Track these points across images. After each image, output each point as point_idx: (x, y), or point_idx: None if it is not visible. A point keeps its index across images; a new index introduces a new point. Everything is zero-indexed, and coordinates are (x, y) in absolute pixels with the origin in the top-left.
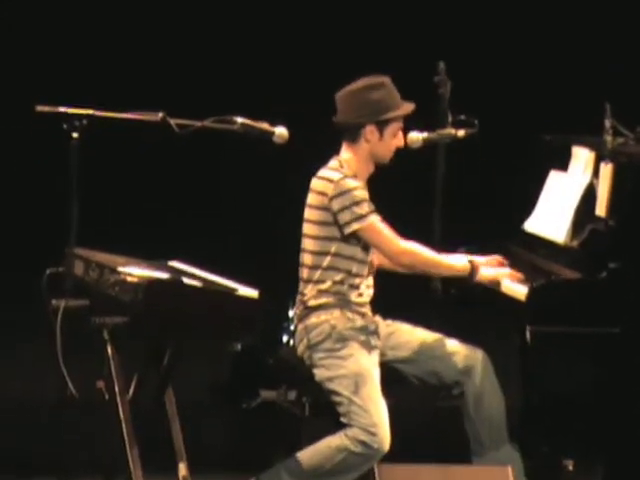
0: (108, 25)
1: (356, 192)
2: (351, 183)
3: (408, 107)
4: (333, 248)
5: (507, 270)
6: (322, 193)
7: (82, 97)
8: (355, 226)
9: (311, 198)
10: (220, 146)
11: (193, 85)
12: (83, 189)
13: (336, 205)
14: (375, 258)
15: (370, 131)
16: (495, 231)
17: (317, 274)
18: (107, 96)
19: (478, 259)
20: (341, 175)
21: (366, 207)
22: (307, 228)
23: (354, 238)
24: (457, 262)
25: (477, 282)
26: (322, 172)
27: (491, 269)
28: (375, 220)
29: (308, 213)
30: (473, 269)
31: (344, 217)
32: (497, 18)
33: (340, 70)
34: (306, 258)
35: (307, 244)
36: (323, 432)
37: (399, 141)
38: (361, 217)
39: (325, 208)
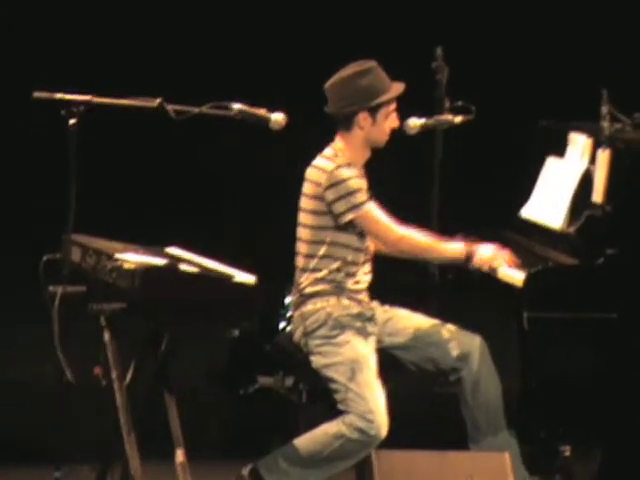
0: (106, 13)
1: (350, 182)
2: (345, 172)
3: (398, 88)
4: (328, 237)
5: (504, 253)
6: (316, 183)
7: (80, 83)
8: (350, 215)
9: (306, 187)
10: (218, 132)
11: (190, 71)
12: (81, 175)
13: (330, 195)
14: (372, 244)
15: (363, 117)
16: (492, 217)
17: (313, 263)
18: (104, 82)
19: (486, 251)
20: (335, 165)
21: (361, 196)
22: (302, 217)
23: (350, 227)
24: (453, 247)
25: (474, 265)
26: (317, 161)
27: (489, 252)
28: (371, 208)
29: (303, 202)
30: (470, 253)
31: (339, 207)
32: (494, 4)
33: (337, 56)
34: (302, 247)
35: (302, 233)
36: (320, 419)
37: (393, 122)
38: (356, 206)
39: (319, 197)
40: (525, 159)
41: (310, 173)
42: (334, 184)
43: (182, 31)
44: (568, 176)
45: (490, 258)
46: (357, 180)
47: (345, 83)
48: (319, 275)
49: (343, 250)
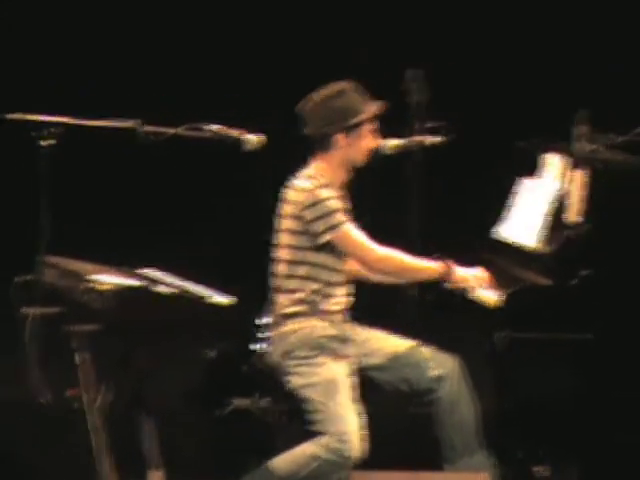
0: (80, 35)
1: (329, 202)
2: (324, 193)
3: (375, 107)
4: (306, 257)
5: (483, 275)
6: (295, 202)
7: (55, 105)
8: (328, 236)
9: (285, 208)
10: (193, 153)
11: (166, 93)
12: (55, 197)
13: (309, 215)
14: (353, 267)
15: (340, 138)
16: (467, 237)
17: (291, 283)
18: (80, 104)
19: (464, 270)
20: (314, 185)
21: (339, 216)
22: (280, 237)
23: (327, 247)
24: (432, 266)
25: (451, 285)
26: (295, 182)
27: (467, 271)
28: (349, 228)
29: (281, 222)
30: (448, 271)
31: (317, 227)
32: (470, 26)
33: (312, 78)
34: (280, 267)
35: (280, 253)
36: (297, 439)
37: (372, 142)
38: (334, 227)
39: (299, 217)
40: (500, 179)
41: (289, 194)
42: (313, 204)
43: (158, 53)
44: (543, 196)
45: (468, 278)
46: (336, 201)
47: (321, 104)
48: (297, 296)
49: (321, 271)
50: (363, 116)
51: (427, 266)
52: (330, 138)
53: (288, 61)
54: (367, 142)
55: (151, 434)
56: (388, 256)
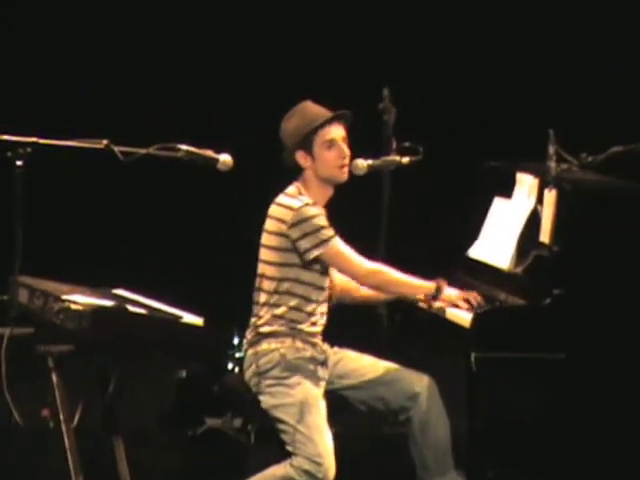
0: (52, 54)
1: (316, 219)
2: (311, 210)
3: (324, 116)
4: (290, 273)
5: (473, 294)
6: (281, 220)
7: (26, 125)
8: (316, 252)
9: (269, 224)
10: (164, 173)
11: (137, 113)
12: (27, 217)
13: (296, 233)
14: (338, 287)
15: (301, 157)
16: (440, 257)
17: (273, 298)
18: (51, 124)
19: (453, 291)
20: (301, 203)
21: (327, 232)
22: (264, 254)
23: (315, 264)
24: (422, 282)
25: (442, 302)
26: (281, 199)
27: (455, 290)
28: (337, 243)
29: (266, 238)
30: (438, 288)
31: (305, 244)
32: (443, 46)
33: (285, 98)
34: (263, 283)
35: (264, 269)
36: (269, 460)
37: (339, 152)
38: (322, 242)
39: (284, 235)
40: (472, 199)
41: (274, 210)
42: (300, 221)
43: (132, 73)
44: (515, 216)
45: (456, 297)
46: (322, 218)
47: (280, 131)
48: (278, 312)
49: (305, 287)
50: (310, 128)
51: (417, 283)
52: (294, 160)
53: (264, 81)
54: (330, 153)
55: (122, 454)
56: (378, 270)
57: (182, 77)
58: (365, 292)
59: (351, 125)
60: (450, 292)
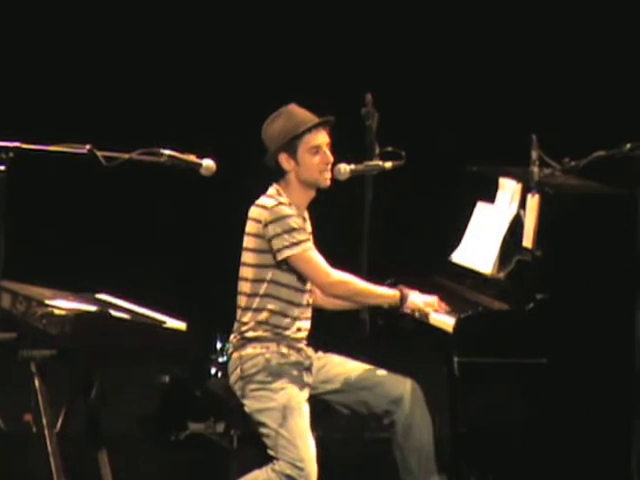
0: (36, 59)
1: (290, 219)
2: (286, 210)
3: (310, 121)
4: (269, 275)
5: (435, 298)
6: (258, 220)
7: (8, 130)
8: (287, 253)
9: (249, 226)
10: (147, 177)
11: (120, 117)
12: (10, 222)
13: (270, 231)
14: (314, 293)
15: (284, 159)
16: (422, 262)
17: (255, 302)
18: (34, 129)
19: (417, 297)
20: (276, 202)
21: (299, 235)
22: (245, 256)
23: (288, 265)
24: (387, 291)
25: (406, 309)
26: (260, 200)
27: (420, 297)
28: (307, 249)
29: (246, 241)
30: (402, 297)
31: (277, 243)
32: (425, 51)
33: (268, 103)
34: (244, 286)
35: (245, 272)
36: (251, 464)
37: (323, 158)
38: (293, 245)
39: (261, 235)
40: (455, 204)
41: (253, 211)
42: (274, 220)
43: (114, 77)
44: (498, 221)
45: (421, 304)
46: (296, 219)
47: (264, 132)
48: (260, 316)
49: (284, 290)
50: (296, 132)
51: (382, 292)
52: (277, 162)
53: (247, 85)
54: (314, 159)
55: (104, 459)
56: (343, 280)
57: (164, 82)
58: (330, 303)
59: (334, 130)
60: (414, 299)
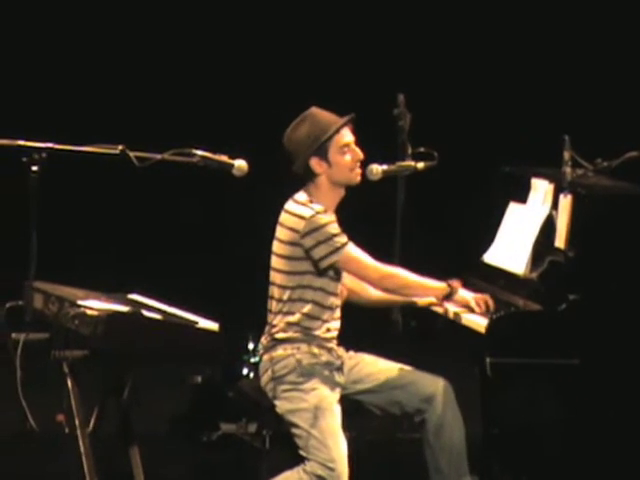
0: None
1: (329, 227)
2: (323, 219)
3: (338, 122)
4: (303, 281)
5: (486, 296)
6: (293, 229)
7: (42, 130)
8: (331, 260)
9: (280, 232)
10: (180, 178)
11: (153, 118)
12: (42, 222)
13: (309, 241)
14: (344, 289)
15: (316, 164)
16: (455, 262)
17: (286, 306)
18: (67, 129)
19: (467, 293)
20: (313, 212)
21: (340, 239)
22: (276, 262)
23: (329, 271)
24: (436, 284)
25: (455, 303)
26: (292, 207)
27: (469, 294)
28: (351, 249)
29: (277, 247)
30: (452, 290)
31: (319, 252)
32: (457, 51)
33: (300, 104)
34: (275, 291)
35: (276, 278)
36: (283, 465)
37: (354, 156)
38: (336, 250)
39: (296, 244)
40: (488, 205)
41: (286, 219)
42: (312, 230)
43: (146, 79)
44: (530, 221)
45: (469, 301)
46: (335, 225)
47: (288, 140)
48: (292, 319)
49: (318, 294)
50: (326, 135)
51: (431, 284)
52: (308, 168)
53: (278, 87)
54: (346, 157)
55: (137, 460)
56: (393, 273)
57: (195, 83)
58: (375, 295)
59: (366, 131)
60: (464, 294)
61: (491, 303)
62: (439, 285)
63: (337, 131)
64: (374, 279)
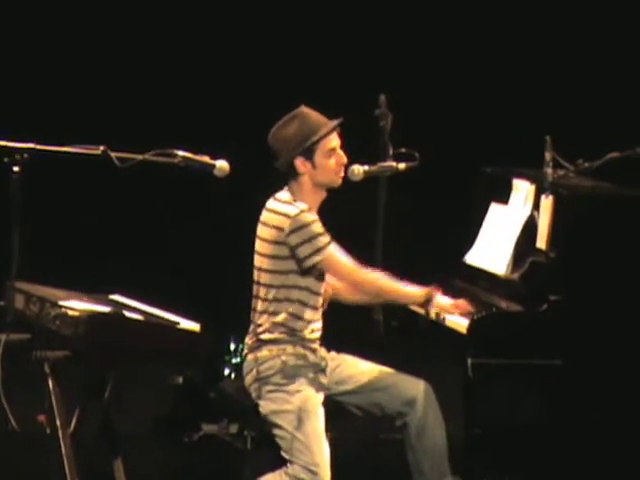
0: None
1: (313, 225)
2: (308, 217)
3: (328, 125)
4: (288, 280)
5: (463, 301)
6: (277, 228)
7: (23, 131)
8: (316, 258)
9: (264, 231)
10: (160, 179)
11: (135, 119)
12: (24, 223)
13: (294, 239)
14: (329, 288)
15: (300, 163)
16: (437, 263)
17: (272, 306)
18: (49, 130)
19: (446, 299)
20: (298, 210)
21: (324, 239)
22: (260, 261)
23: (313, 270)
24: (415, 290)
25: (430, 310)
26: (275, 206)
27: (448, 299)
28: (334, 251)
29: (261, 246)
30: (431, 296)
31: (304, 251)
32: (439, 52)
33: (280, 104)
34: (260, 290)
35: (260, 277)
36: (265, 466)
37: (338, 159)
38: (320, 249)
39: (281, 242)
40: (469, 205)
41: (269, 218)
42: (298, 228)
43: (129, 79)
44: (512, 222)
45: (448, 306)
46: (319, 224)
47: (275, 137)
48: (277, 319)
49: (302, 293)
50: (315, 137)
51: (410, 291)
52: (292, 166)
53: (259, 86)
54: (331, 161)
55: (118, 460)
56: (372, 279)
57: (177, 83)
58: (356, 297)
59: (348, 131)
60: (442, 301)
61: (470, 309)
62: (418, 292)
63: (326, 135)
64: (355, 281)
